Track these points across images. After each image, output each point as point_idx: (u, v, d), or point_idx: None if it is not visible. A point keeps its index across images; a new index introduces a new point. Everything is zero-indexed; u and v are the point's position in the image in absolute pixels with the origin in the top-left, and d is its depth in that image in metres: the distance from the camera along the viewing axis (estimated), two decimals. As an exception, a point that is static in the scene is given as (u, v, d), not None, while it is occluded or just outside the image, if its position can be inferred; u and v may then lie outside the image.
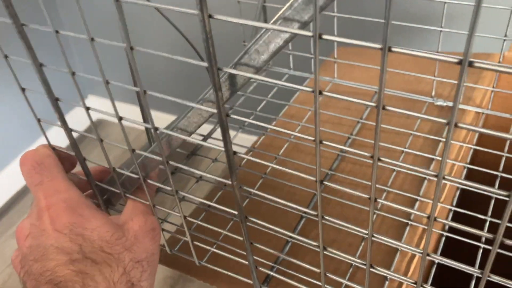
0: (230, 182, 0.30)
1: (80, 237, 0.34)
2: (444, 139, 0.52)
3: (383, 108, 0.21)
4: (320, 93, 0.23)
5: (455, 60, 0.18)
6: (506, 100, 0.60)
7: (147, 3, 0.25)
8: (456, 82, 0.59)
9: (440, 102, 0.56)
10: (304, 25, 0.24)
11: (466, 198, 0.49)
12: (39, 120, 0.38)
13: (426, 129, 0.55)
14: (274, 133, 0.58)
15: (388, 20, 0.18)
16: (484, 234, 0.23)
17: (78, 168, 0.40)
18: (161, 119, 1.73)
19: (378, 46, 0.19)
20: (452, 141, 0.52)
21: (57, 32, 0.29)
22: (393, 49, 0.19)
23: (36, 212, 0.36)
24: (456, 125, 0.20)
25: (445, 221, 0.24)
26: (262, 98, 0.60)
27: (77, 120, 0.80)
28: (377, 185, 0.48)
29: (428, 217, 0.24)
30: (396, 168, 0.49)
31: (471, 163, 0.51)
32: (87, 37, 0.28)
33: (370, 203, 0.25)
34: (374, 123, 0.56)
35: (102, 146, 0.36)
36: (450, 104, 0.55)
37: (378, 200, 0.25)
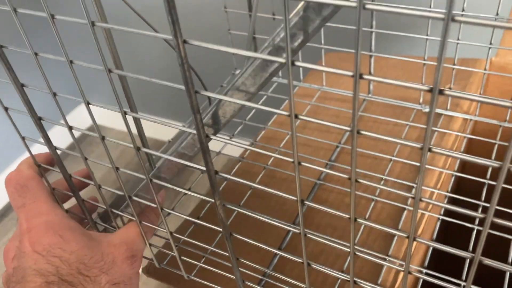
0: (213, 200, 0.30)
1: (58, 259, 0.34)
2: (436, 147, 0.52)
3: (358, 133, 0.21)
4: (296, 116, 0.23)
5: (426, 88, 0.18)
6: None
7: (124, 28, 0.25)
8: (444, 89, 0.59)
9: (428, 109, 0.56)
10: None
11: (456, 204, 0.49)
12: (23, 138, 0.38)
13: (414, 136, 0.55)
14: (263, 142, 0.58)
15: (358, 51, 0.18)
16: (464, 254, 0.23)
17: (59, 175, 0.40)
18: (156, 124, 1.73)
19: (350, 73, 0.19)
20: (439, 149, 0.52)
21: (36, 54, 0.29)
22: (365, 76, 0.19)
23: (19, 235, 0.36)
24: (430, 150, 0.20)
25: (426, 241, 0.24)
26: (252, 106, 0.60)
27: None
28: (365, 194, 0.48)
29: (408, 237, 0.24)
30: (384, 178, 0.49)
31: (460, 169, 0.51)
32: (65, 59, 0.28)
33: (350, 223, 0.25)
34: (364, 132, 0.56)
35: (87, 164, 0.36)
36: (438, 111, 0.55)
37: (359, 220, 0.25)
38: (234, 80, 0.28)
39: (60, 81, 0.94)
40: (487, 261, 0.23)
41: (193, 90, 0.24)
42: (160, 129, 1.59)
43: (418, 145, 0.20)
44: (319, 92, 0.62)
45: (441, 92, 0.18)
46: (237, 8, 0.58)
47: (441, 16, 0.16)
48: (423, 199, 0.22)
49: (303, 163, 0.24)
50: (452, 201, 0.47)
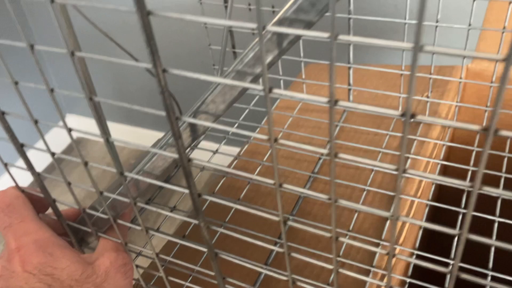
0: (197, 222, 0.31)
1: (49, 277, 0.34)
2: (414, 155, 0.53)
3: (336, 157, 0.22)
4: (275, 140, 0.23)
5: (398, 114, 0.19)
6: (473, 110, 0.62)
7: (104, 57, 0.25)
8: (421, 98, 0.60)
9: (407, 118, 0.57)
10: (257, 78, 0.25)
11: (436, 212, 0.50)
12: (5, 165, 0.38)
13: (394, 145, 0.56)
14: (246, 156, 0.58)
15: (332, 80, 0.18)
16: (442, 269, 0.24)
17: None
18: (142, 134, 1.73)
19: (325, 100, 0.20)
20: (414, 172, 0.53)
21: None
22: (340, 103, 0.20)
23: (7, 254, 0.36)
24: (404, 171, 0.21)
25: (406, 258, 0.25)
26: (234, 121, 0.61)
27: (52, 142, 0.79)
28: (349, 203, 0.49)
29: (387, 254, 0.25)
30: (367, 188, 0.50)
31: (441, 174, 0.52)
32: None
33: (332, 242, 0.26)
34: (344, 142, 0.57)
35: (71, 189, 0.36)
36: (418, 119, 0.56)
37: (340, 238, 0.26)
38: (203, 97, 0.28)
39: (31, 102, 0.94)
40: (473, 237, 0.24)
41: (174, 117, 0.24)
42: (147, 139, 1.59)
43: (393, 167, 0.21)
44: (301, 103, 0.63)
45: (412, 116, 0.19)
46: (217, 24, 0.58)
47: (411, 46, 0.17)
48: (401, 218, 0.23)
49: (284, 185, 0.25)
50: (433, 209, 0.48)
